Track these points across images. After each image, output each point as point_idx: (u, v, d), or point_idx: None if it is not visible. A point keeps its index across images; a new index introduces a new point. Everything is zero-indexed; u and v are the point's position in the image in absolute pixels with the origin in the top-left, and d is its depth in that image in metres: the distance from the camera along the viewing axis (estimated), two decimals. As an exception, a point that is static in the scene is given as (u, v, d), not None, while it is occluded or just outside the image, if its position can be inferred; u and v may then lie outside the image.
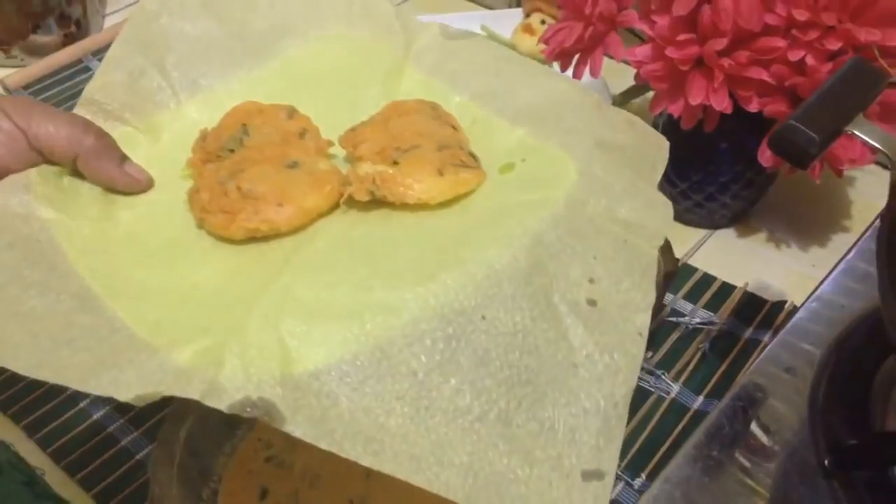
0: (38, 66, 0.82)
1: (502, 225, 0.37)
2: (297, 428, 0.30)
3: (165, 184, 0.44)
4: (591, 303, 0.36)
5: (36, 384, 0.55)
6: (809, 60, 0.53)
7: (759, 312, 0.59)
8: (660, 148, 0.44)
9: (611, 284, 0.36)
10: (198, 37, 0.49)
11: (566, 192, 0.39)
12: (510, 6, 0.92)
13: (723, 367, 0.55)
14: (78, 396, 0.55)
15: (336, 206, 0.41)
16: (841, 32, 0.52)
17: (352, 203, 0.41)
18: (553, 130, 0.43)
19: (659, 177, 0.43)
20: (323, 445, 0.30)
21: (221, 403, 0.31)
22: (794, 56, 0.53)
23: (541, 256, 0.36)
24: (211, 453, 0.47)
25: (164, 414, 0.50)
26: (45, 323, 0.34)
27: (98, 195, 0.42)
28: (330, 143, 0.45)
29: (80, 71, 0.83)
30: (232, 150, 0.43)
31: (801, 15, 0.52)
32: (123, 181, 0.42)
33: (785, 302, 0.59)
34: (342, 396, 0.31)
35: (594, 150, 0.41)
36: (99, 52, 0.84)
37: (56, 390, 0.55)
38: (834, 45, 0.52)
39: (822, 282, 0.57)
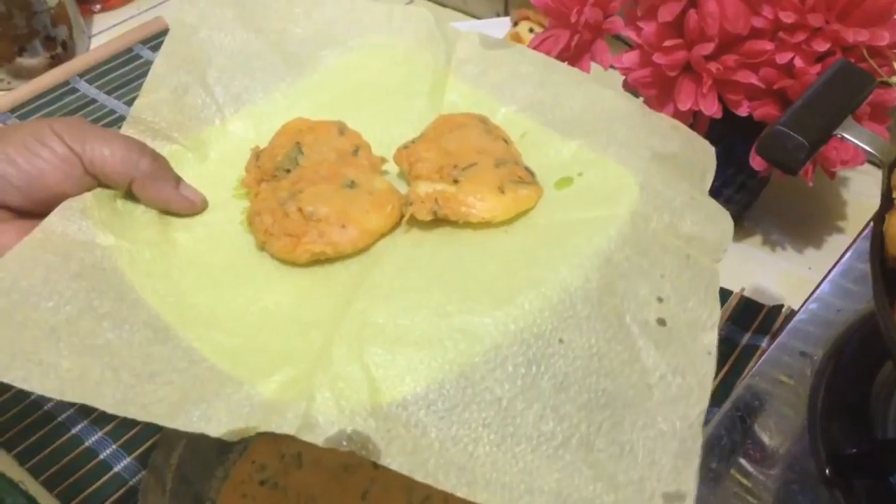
0: (26, 89, 0.82)
1: (570, 244, 0.37)
2: (392, 461, 0.31)
3: (218, 204, 0.44)
4: (661, 322, 0.36)
5: (26, 411, 0.55)
6: (798, 62, 0.52)
7: (756, 317, 0.58)
8: (707, 154, 0.44)
9: (678, 303, 0.36)
10: (238, 49, 0.49)
11: (630, 208, 0.39)
12: (498, 15, 0.92)
13: (721, 374, 0.55)
14: (69, 422, 0.54)
15: (397, 225, 0.42)
16: (828, 33, 0.52)
17: (413, 222, 0.41)
18: (607, 142, 0.43)
19: (709, 185, 0.43)
20: (419, 477, 0.31)
21: (317, 438, 0.31)
22: (783, 58, 0.52)
23: (611, 276, 0.36)
24: (203, 478, 0.46)
25: (155, 439, 0.49)
26: (123, 357, 0.34)
27: (153, 218, 0.42)
28: (383, 161, 0.45)
29: (67, 92, 0.83)
30: (288, 170, 0.43)
31: (787, 17, 0.51)
32: (180, 203, 0.42)
33: (782, 306, 0.59)
34: (431, 426, 0.32)
35: (651, 162, 0.41)
36: (86, 74, 0.84)
37: (47, 416, 0.54)
38: (822, 46, 0.51)
39: (819, 284, 0.56)
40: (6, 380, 0.33)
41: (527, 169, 0.42)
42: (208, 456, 0.46)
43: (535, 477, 0.31)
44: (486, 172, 0.41)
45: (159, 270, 0.39)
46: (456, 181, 0.40)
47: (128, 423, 0.53)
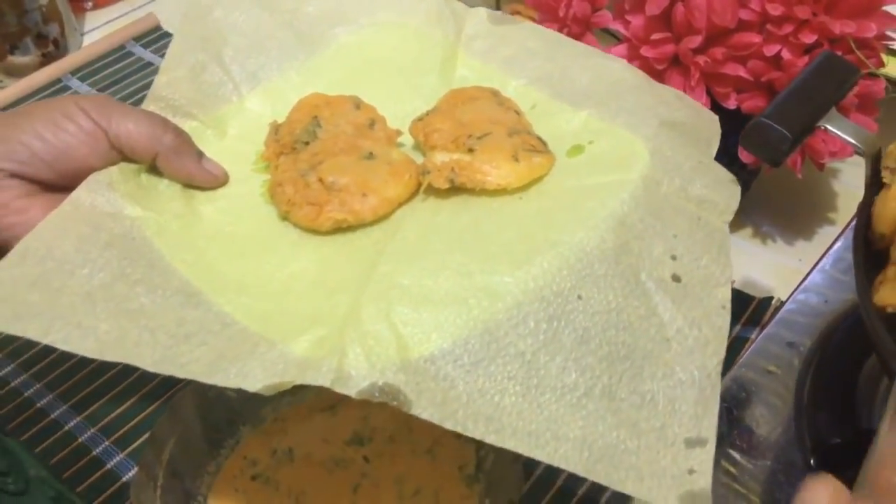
0: (17, 87, 0.81)
1: (584, 207, 0.39)
2: (423, 411, 0.32)
3: (239, 177, 0.45)
4: (676, 279, 0.37)
5: (19, 407, 0.55)
6: (785, 55, 0.52)
7: (746, 309, 0.58)
8: (712, 122, 0.46)
9: (692, 261, 0.38)
10: (252, 28, 0.50)
11: (641, 173, 0.40)
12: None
13: (711, 366, 0.55)
14: (62, 419, 0.54)
15: (415, 194, 0.43)
16: (815, 25, 0.52)
17: (430, 191, 0.42)
18: (616, 111, 0.44)
19: (714, 152, 0.44)
20: (448, 426, 0.32)
21: (350, 390, 0.33)
22: (770, 51, 0.52)
23: (626, 237, 0.37)
24: (195, 474, 0.46)
25: (147, 436, 0.50)
26: (158, 319, 0.36)
27: (177, 191, 0.43)
28: (399, 133, 0.46)
29: (59, 90, 0.82)
30: (307, 143, 0.44)
31: (774, 9, 0.52)
32: (202, 177, 0.43)
33: (772, 298, 0.59)
34: (458, 379, 0.33)
35: (659, 129, 0.43)
36: (78, 71, 0.84)
37: (39, 413, 0.54)
38: (809, 38, 0.52)
39: (808, 274, 0.56)
40: (47, 341, 0.34)
41: (539, 138, 0.44)
42: (199, 451, 0.46)
43: (561, 425, 0.33)
44: (500, 141, 0.42)
45: (186, 240, 0.41)
46: (471, 150, 0.42)
47: (121, 420, 0.54)
